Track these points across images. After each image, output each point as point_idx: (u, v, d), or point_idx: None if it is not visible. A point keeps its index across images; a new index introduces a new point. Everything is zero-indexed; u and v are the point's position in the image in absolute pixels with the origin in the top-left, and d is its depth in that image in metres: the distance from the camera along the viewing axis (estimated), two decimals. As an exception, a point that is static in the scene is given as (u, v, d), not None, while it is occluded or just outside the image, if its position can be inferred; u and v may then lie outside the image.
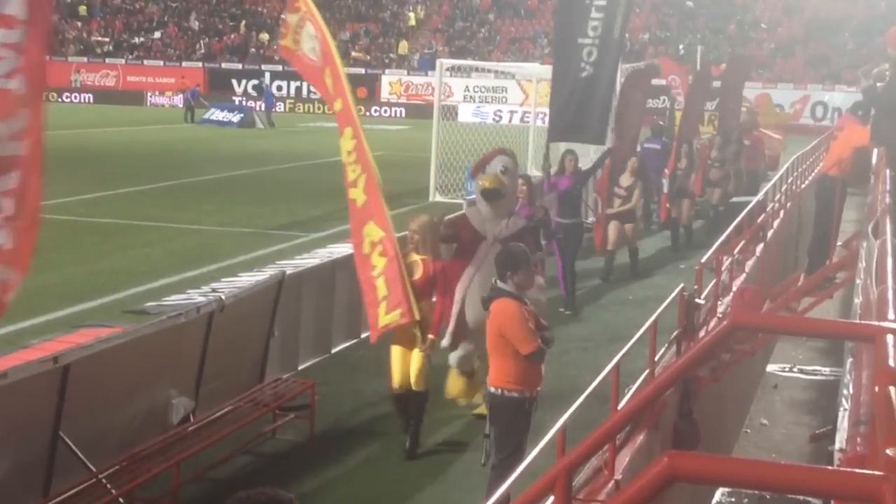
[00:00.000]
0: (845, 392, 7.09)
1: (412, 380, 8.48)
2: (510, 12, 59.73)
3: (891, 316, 5.03)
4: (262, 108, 45.75)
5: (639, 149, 21.69)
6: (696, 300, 8.19)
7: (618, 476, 5.65)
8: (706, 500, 8.13)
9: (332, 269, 10.95)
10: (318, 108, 50.82)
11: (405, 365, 8.46)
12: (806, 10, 54.55)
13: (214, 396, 8.53)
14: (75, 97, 57.05)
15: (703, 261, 9.22)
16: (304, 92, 52.39)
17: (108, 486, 6.87)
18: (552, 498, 3.96)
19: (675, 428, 7.08)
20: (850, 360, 7.47)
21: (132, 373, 7.67)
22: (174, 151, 31.65)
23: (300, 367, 10.36)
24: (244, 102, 51.41)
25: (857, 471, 2.88)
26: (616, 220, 15.45)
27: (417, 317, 8.17)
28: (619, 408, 5.90)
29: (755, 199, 13.10)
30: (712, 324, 8.21)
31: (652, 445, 6.32)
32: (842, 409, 6.66)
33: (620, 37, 14.83)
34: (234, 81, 56.48)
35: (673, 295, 7.79)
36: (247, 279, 12.37)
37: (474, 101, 49.61)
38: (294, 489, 7.79)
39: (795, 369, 12.40)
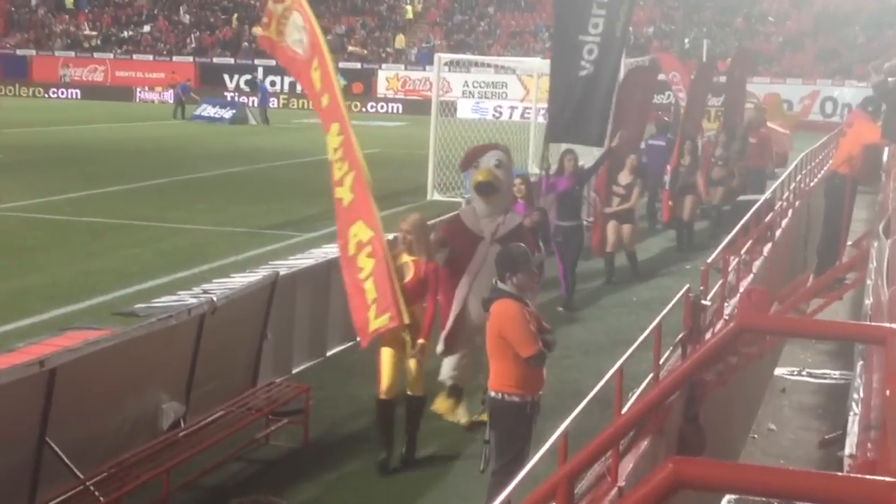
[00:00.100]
0: (855, 396, 7.09)
1: (409, 385, 8.38)
2: (510, 5, 59.77)
3: (902, 318, 5.03)
4: (257, 105, 45.75)
5: (643, 146, 21.76)
6: (702, 301, 8.18)
7: (621, 483, 5.64)
8: (712, 507, 8.13)
9: (328, 269, 10.94)
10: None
11: (395, 370, 8.30)
12: (815, 3, 54.61)
13: (206, 401, 8.52)
14: (62, 93, 57.09)
15: (709, 261, 9.21)
16: (299, 87, 52.20)
17: (96, 493, 6.86)
18: (553, 505, 3.95)
19: (680, 433, 7.07)
20: (860, 363, 7.47)
21: (121, 377, 7.67)
22: (164, 148, 31.65)
23: (294, 371, 10.36)
24: (236, 98, 51.46)
25: (868, 477, 2.88)
26: (614, 219, 15.36)
27: (407, 321, 8.01)
28: (622, 413, 5.89)
29: (763, 198, 13.10)
30: (719, 326, 8.21)
31: (656, 451, 6.32)
32: (852, 413, 6.66)
33: (623, 34, 14.75)
34: (226, 76, 56.52)
35: (678, 296, 7.79)
36: (239, 280, 12.38)
37: (473, 97, 49.63)
38: (288, 497, 7.79)
39: (804, 373, 12.41)
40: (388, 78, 55.83)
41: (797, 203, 15.16)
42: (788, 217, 13.93)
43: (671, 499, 2.86)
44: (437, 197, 21.24)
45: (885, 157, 13.91)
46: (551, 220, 12.90)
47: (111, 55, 59.66)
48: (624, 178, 15.48)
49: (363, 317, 8.10)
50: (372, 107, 53.58)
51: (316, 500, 7.80)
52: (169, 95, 51.35)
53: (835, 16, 53.33)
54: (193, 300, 10.59)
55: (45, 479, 6.88)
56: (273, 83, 53.65)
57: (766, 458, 9.87)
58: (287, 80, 53.50)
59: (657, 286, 15.03)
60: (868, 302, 9.13)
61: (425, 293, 8.34)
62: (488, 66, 46.99)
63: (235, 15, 61.29)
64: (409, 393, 8.42)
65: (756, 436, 10.57)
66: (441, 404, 8.71)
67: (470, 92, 50.39)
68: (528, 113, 31.93)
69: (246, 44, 58.20)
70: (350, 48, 58.39)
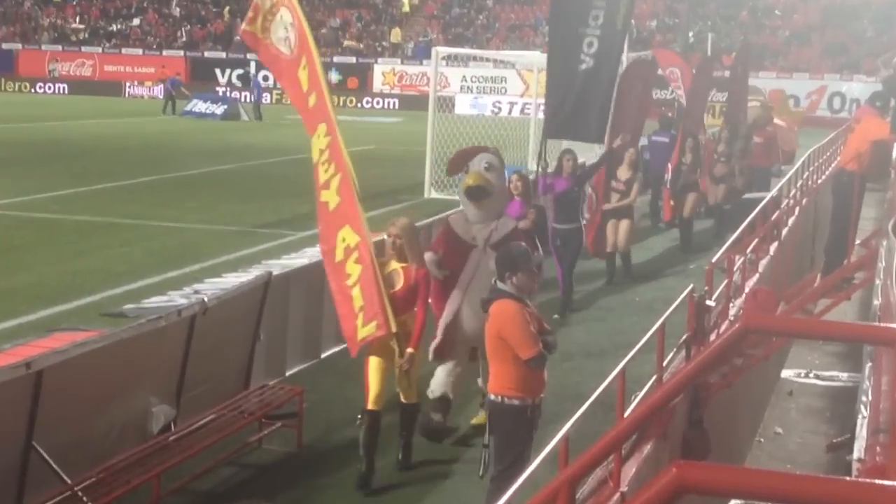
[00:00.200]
0: (864, 399, 7.09)
1: (402, 393, 8.23)
2: (510, -2, 59.80)
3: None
4: (251, 100, 45.74)
5: (646, 142, 21.73)
6: (707, 302, 8.19)
7: (623, 488, 5.65)
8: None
9: (322, 269, 10.90)
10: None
11: (383, 380, 8.11)
12: (822, -4, 54.67)
13: (197, 404, 8.52)
14: (49, 88, 57.07)
15: (713, 260, 9.22)
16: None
17: (85, 498, 6.86)
18: (554, 511, 3.95)
19: (684, 437, 7.08)
20: (869, 364, 7.47)
21: (110, 379, 7.66)
22: (154, 145, 31.65)
23: (288, 374, 10.35)
24: (228, 93, 51.45)
25: (878, 482, 2.88)
26: (613, 217, 15.19)
27: (394, 329, 7.85)
28: (625, 416, 5.90)
29: (769, 196, 13.11)
30: (724, 327, 8.22)
31: (660, 455, 6.32)
32: (860, 416, 6.67)
33: (624, 27, 14.65)
34: (218, 71, 56.52)
35: (682, 296, 7.79)
36: (231, 280, 12.40)
37: (472, 92, 49.68)
38: (281, 502, 7.80)
39: (811, 375, 12.43)
40: (384, 72, 55.83)
41: (804, 201, 15.19)
42: (795, 215, 13.95)
43: (675, 504, 2.86)
44: (434, 195, 21.24)
45: (894, 154, 13.90)
46: (549, 223, 12.80)
47: (99, 49, 59.63)
48: (623, 173, 15.31)
49: (351, 325, 7.99)
50: (367, 102, 53.60)
51: (310, 506, 7.81)
52: (159, 90, 51.36)
53: (843, 9, 53.37)
54: (184, 300, 10.61)
55: (31, 485, 6.87)
56: (266, 78, 53.53)
57: (773, 462, 9.89)
58: (281, 74, 53.42)
59: (660, 286, 15.03)
60: (877, 302, 9.13)
61: (416, 301, 8.13)
62: (487, 60, 46.97)
63: (227, 8, 61.29)
64: (403, 401, 8.30)
65: (762, 439, 10.59)
66: (430, 414, 8.59)
67: (468, 87, 50.43)
68: (528, 109, 32.00)
69: (238, 38, 58.10)
70: (346, 42, 58.39)
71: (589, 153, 20.56)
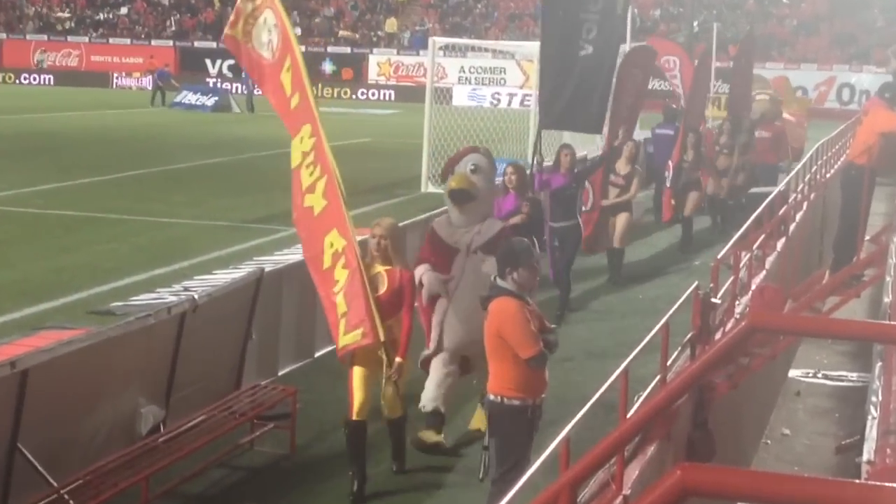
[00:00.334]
0: (874, 399, 7.10)
1: (388, 408, 8.01)
2: (509, -14, 59.79)
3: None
4: (243, 92, 45.67)
5: (649, 135, 21.69)
6: (712, 300, 8.20)
7: (626, 491, 5.66)
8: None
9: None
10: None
11: (368, 389, 7.97)
12: (831, -16, 54.70)
13: (187, 405, 8.52)
14: (34, 78, 57.03)
15: (719, 257, 9.23)
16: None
17: (71, 501, 6.86)
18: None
19: (688, 439, 7.09)
20: (878, 364, 7.49)
21: (97, 379, 7.67)
22: (142, 137, 31.63)
23: (280, 373, 10.35)
24: (219, 84, 51.41)
25: (888, 485, 2.89)
26: (611, 213, 15.01)
27: (382, 337, 7.68)
28: (628, 417, 5.91)
29: (775, 190, 13.11)
30: (729, 325, 8.22)
31: (664, 457, 6.33)
32: (870, 417, 6.68)
33: (624, 12, 14.53)
34: (208, 61, 56.50)
35: (686, 294, 7.80)
36: (222, 277, 12.40)
37: (470, 83, 49.62)
38: (274, 506, 7.81)
39: (820, 375, 12.44)
40: (379, 63, 55.82)
41: (812, 195, 15.19)
42: (803, 210, 13.95)
43: (679, 507, 2.87)
44: (431, 189, 21.22)
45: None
46: (545, 219, 12.57)
47: (86, 39, 59.59)
48: (622, 167, 15.15)
49: (337, 333, 7.88)
50: (363, 93, 53.59)
51: (303, 510, 7.82)
52: (147, 81, 51.32)
53: (852, -3, 53.41)
54: (173, 298, 10.59)
55: (16, 487, 6.87)
56: (258, 68, 53.60)
57: (780, 464, 9.90)
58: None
59: (664, 284, 15.03)
60: (887, 300, 9.16)
61: (402, 306, 7.97)
62: (486, 50, 46.86)
63: (218, -4, 61.27)
64: (388, 416, 8.10)
65: (769, 441, 10.60)
66: (423, 434, 8.54)
67: (466, 78, 50.38)
68: (528, 100, 31.94)
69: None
70: (341, 32, 58.36)
71: (591, 145, 20.59)
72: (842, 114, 38.85)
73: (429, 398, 8.66)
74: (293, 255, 11.92)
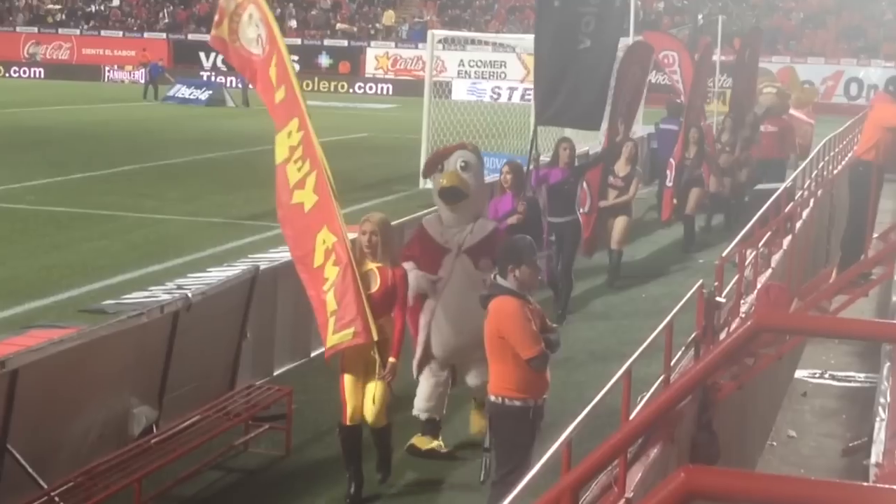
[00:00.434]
0: (882, 400, 7.11)
1: (369, 414, 7.82)
2: (510, -22, 59.76)
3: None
4: (238, 86, 45.61)
5: (653, 130, 21.67)
6: (717, 299, 8.21)
7: (629, 494, 5.66)
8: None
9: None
10: (296, 85, 50.72)
11: (361, 392, 7.86)
12: (839, -24, 54.71)
13: (180, 405, 8.52)
14: (24, 72, 57.00)
15: (724, 255, 9.23)
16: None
17: (62, 504, 6.87)
18: (556, 518, 3.96)
19: (692, 440, 7.10)
20: (887, 364, 7.50)
21: (88, 379, 7.66)
22: (135, 132, 31.62)
23: (276, 373, 10.36)
24: (213, 78, 51.35)
25: (896, 487, 2.89)
26: (610, 215, 14.85)
27: (376, 337, 7.57)
28: (630, 418, 5.91)
29: (782, 187, 13.11)
30: (734, 325, 8.23)
31: (667, 460, 6.34)
32: (878, 419, 6.69)
33: (624, 5, 14.42)
34: (202, 55, 56.35)
35: (691, 293, 7.81)
36: (216, 275, 12.41)
37: (470, 77, 49.60)
38: (269, 508, 7.82)
39: (826, 375, 12.45)
40: (377, 56, 55.79)
41: (819, 192, 15.19)
42: (810, 207, 13.95)
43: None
44: (429, 185, 21.20)
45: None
46: (543, 217, 12.41)
47: (77, 31, 59.54)
48: (621, 168, 14.96)
49: (323, 333, 7.77)
50: (360, 87, 53.57)
51: (299, 513, 7.82)
52: (140, 75, 51.27)
53: (860, -10, 53.40)
54: (166, 296, 10.61)
55: (5, 490, 6.87)
56: (253, 62, 53.60)
57: (786, 466, 9.91)
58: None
59: (667, 282, 15.04)
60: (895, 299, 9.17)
61: (394, 304, 7.85)
62: (486, 43, 46.95)
63: (212, -12, 61.28)
64: (372, 425, 7.89)
65: (774, 443, 10.61)
66: (418, 441, 8.53)
67: (466, 72, 50.35)
68: (529, 94, 31.87)
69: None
70: (338, 25, 58.33)
71: (593, 140, 20.54)
72: (849, 109, 38.90)
73: (421, 408, 8.62)
74: (288, 252, 11.90)
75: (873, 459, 6.20)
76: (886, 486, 3.27)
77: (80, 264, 14.45)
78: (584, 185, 14.36)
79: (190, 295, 8.63)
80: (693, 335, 7.92)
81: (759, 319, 4.41)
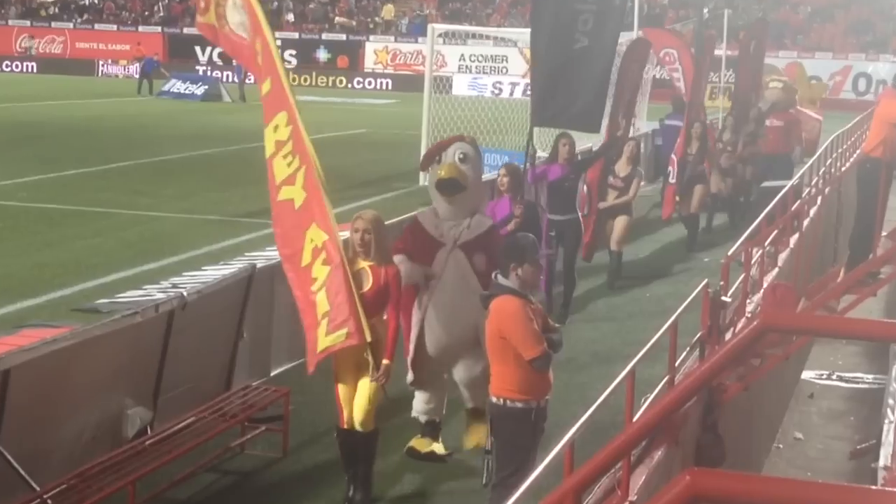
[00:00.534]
0: (891, 402, 7.13)
1: (356, 418, 7.73)
2: (511, -29, 59.73)
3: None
4: (234, 80, 45.64)
5: (657, 126, 21.66)
6: (722, 298, 8.21)
7: (632, 497, 5.66)
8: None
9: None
10: (293, 79, 50.74)
11: (354, 396, 7.78)
12: (847, -31, 54.68)
13: (175, 406, 8.53)
14: (17, 66, 56.98)
15: (729, 253, 9.23)
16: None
17: (55, 507, 6.88)
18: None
19: (697, 443, 7.10)
20: (895, 365, 7.51)
21: (81, 379, 7.67)
22: (129, 128, 31.62)
23: (273, 374, 10.36)
24: (209, 72, 51.37)
25: (904, 491, 2.90)
26: (609, 216, 14.78)
27: (369, 338, 7.43)
28: (634, 420, 5.91)
29: (789, 184, 13.12)
30: (740, 325, 8.23)
31: (671, 462, 6.34)
32: (887, 421, 6.70)
33: (622, 2, 14.34)
34: (198, 49, 56.40)
35: (696, 292, 7.80)
36: (212, 273, 12.39)
37: (470, 72, 49.64)
38: (265, 511, 7.82)
39: (834, 376, 12.45)
40: (376, 51, 55.80)
41: (827, 189, 15.18)
42: (817, 205, 13.95)
43: (688, 514, 2.87)
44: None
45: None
46: (542, 217, 12.29)
47: (71, 25, 59.54)
48: (622, 168, 14.87)
49: (313, 336, 7.59)
50: (358, 82, 53.57)
51: (296, 516, 7.83)
52: (134, 69, 51.26)
53: (869, -17, 53.39)
54: (161, 295, 10.60)
55: (-3, 492, 6.88)
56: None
57: (792, 469, 9.91)
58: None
59: (672, 282, 15.04)
60: (904, 299, 9.17)
61: (386, 304, 7.73)
62: (487, 37, 46.93)
63: (208, -20, 61.18)
64: (359, 429, 7.76)
65: (781, 445, 10.61)
66: (417, 443, 8.47)
67: (466, 66, 50.38)
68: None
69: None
70: (337, 19, 58.32)
71: (595, 136, 20.50)
72: (858, 104, 38.90)
73: (420, 410, 8.56)
74: (285, 250, 11.90)
75: (882, 462, 6.22)
76: (895, 489, 3.27)
77: (73, 262, 14.45)
78: (584, 186, 14.31)
79: (185, 294, 8.63)
80: (698, 335, 7.92)
81: (766, 319, 4.41)
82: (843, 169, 17.38)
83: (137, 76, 47.89)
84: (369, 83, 53.62)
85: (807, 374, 12.38)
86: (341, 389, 7.84)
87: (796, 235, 12.05)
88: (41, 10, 61.20)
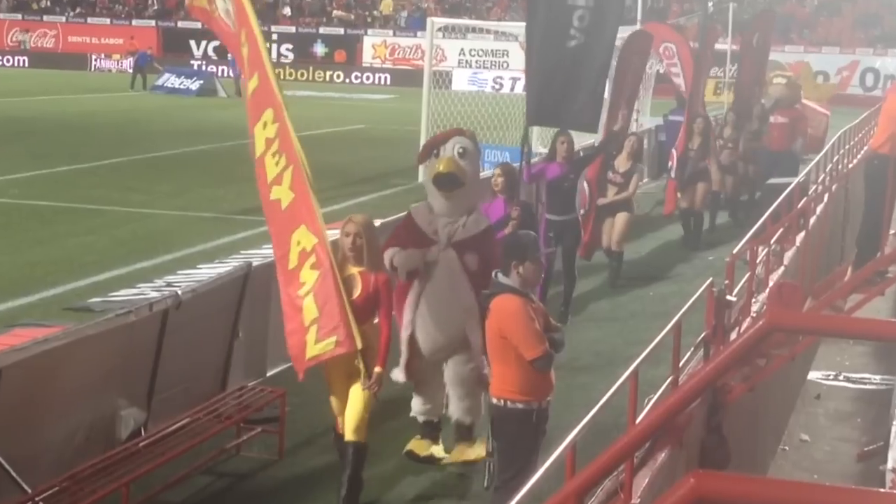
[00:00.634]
0: (898, 403, 7.12)
1: (348, 426, 7.62)
2: (512, -37, 59.71)
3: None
4: (230, 75, 45.59)
5: (661, 121, 21.64)
6: (727, 297, 8.21)
7: (636, 500, 5.67)
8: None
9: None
10: (290, 74, 50.82)
11: (345, 405, 7.72)
12: (855, -38, 54.68)
13: (169, 407, 8.53)
14: (8, 60, 56.96)
15: (734, 252, 9.23)
16: (273, 55, 52.30)
17: (47, 510, 6.88)
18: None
19: (701, 445, 7.10)
20: (903, 366, 7.51)
21: (74, 380, 7.67)
22: (122, 123, 31.62)
23: (268, 374, 10.35)
24: (204, 67, 51.34)
25: (913, 494, 2.90)
26: (608, 213, 14.70)
27: (360, 345, 7.36)
28: (637, 421, 5.91)
29: (795, 181, 13.12)
30: (746, 325, 8.23)
31: (675, 465, 6.34)
32: (895, 422, 6.70)
33: None
34: (193, 43, 56.42)
35: (700, 291, 7.81)
36: (207, 272, 12.41)
37: (470, 67, 49.63)
38: (261, 514, 7.83)
39: (841, 377, 12.46)
40: (374, 45, 55.77)
41: (834, 187, 15.19)
42: (824, 203, 13.96)
43: (692, 517, 2.88)
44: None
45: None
46: (540, 216, 12.13)
47: (63, 18, 59.50)
48: (622, 164, 14.80)
49: (300, 341, 7.51)
50: (356, 77, 53.55)
51: (293, 519, 7.83)
52: (128, 64, 51.24)
53: (877, -24, 53.38)
54: (155, 294, 10.61)
55: (-12, 495, 6.89)
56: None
57: (798, 472, 9.92)
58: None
59: (676, 281, 15.04)
60: (913, 298, 9.18)
61: (377, 310, 7.64)
62: (487, 32, 46.93)
63: (203, -27, 61.14)
64: (351, 438, 7.60)
65: (787, 447, 10.62)
66: (415, 445, 8.45)
67: (466, 61, 50.36)
68: (532, 85, 31.85)
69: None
70: (335, 13, 58.29)
71: (596, 135, 20.50)
72: (865, 100, 38.89)
73: (419, 410, 8.54)
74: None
75: (889, 464, 6.22)
76: (903, 492, 3.28)
77: (65, 260, 14.45)
78: (584, 185, 14.24)
79: (180, 292, 8.64)
80: (702, 335, 7.93)
81: (772, 319, 4.41)
82: (851, 166, 17.38)
83: (131, 71, 47.87)
84: (367, 78, 53.60)
85: (813, 375, 12.39)
86: (333, 398, 7.83)
87: (803, 233, 12.05)
88: (33, 3, 61.16)
